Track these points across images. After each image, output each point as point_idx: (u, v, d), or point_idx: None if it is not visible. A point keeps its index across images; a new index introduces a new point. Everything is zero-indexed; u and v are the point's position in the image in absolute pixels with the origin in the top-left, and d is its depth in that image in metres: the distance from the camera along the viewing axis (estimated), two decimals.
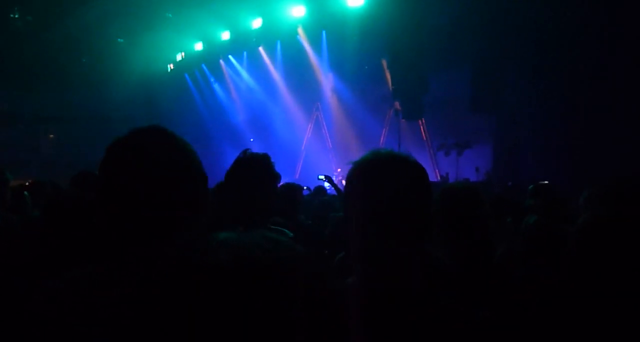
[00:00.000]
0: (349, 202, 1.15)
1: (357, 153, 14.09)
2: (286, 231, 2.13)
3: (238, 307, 0.65)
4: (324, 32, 14.62)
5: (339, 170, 15.36)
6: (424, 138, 14.84)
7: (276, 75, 16.44)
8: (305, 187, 4.89)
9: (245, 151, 2.08)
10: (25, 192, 3.52)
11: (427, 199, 1.11)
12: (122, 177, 0.94)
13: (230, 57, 17.33)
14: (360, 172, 1.14)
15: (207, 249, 0.68)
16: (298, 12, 14.11)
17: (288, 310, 0.69)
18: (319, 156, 16.63)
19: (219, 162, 17.40)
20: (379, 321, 0.97)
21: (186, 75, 19.03)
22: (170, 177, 0.96)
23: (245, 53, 16.90)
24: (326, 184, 9.06)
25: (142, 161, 0.95)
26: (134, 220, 0.94)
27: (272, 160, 2.18)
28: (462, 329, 0.99)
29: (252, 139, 17.76)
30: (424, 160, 13.15)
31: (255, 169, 2.00)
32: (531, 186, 4.04)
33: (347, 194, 1.15)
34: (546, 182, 8.82)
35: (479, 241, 1.57)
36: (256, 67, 16.74)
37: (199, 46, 17.54)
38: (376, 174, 1.11)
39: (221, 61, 17.65)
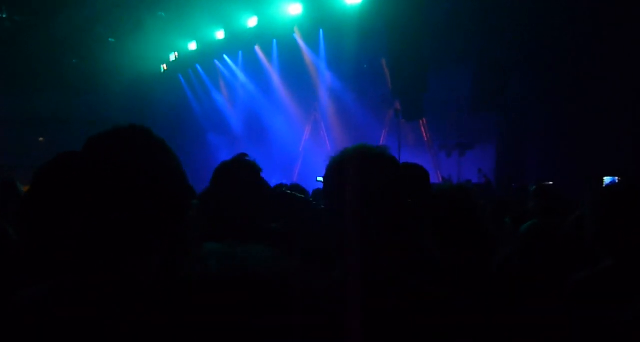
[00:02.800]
0: (328, 196, 1.27)
1: None
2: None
3: (224, 320, 0.64)
4: (321, 31, 14.66)
5: None
6: (425, 139, 14.86)
7: (273, 75, 16.47)
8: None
9: (242, 155, 2.11)
10: None
11: (397, 189, 1.20)
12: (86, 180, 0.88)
13: (225, 56, 17.35)
14: (333, 168, 1.26)
15: (196, 258, 0.66)
16: (294, 10, 14.14)
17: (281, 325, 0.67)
18: (318, 158, 16.62)
19: (215, 166, 17.45)
20: (364, 312, 1.01)
21: (180, 76, 19.04)
22: (145, 181, 0.89)
23: (240, 53, 16.92)
24: None
25: (111, 163, 0.89)
26: (101, 227, 0.88)
27: (269, 162, 2.23)
28: (448, 319, 1.03)
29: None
30: (425, 161, 13.18)
31: (249, 174, 2.03)
32: (533, 187, 4.07)
33: (325, 189, 1.29)
34: (550, 183, 8.88)
35: (473, 243, 1.61)
36: (252, 67, 16.78)
37: (192, 46, 17.56)
38: (345, 168, 1.22)
39: (216, 61, 17.67)
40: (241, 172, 2.05)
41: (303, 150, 17.64)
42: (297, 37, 14.99)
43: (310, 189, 6.47)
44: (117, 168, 0.88)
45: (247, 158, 2.12)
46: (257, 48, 16.25)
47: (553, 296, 1.71)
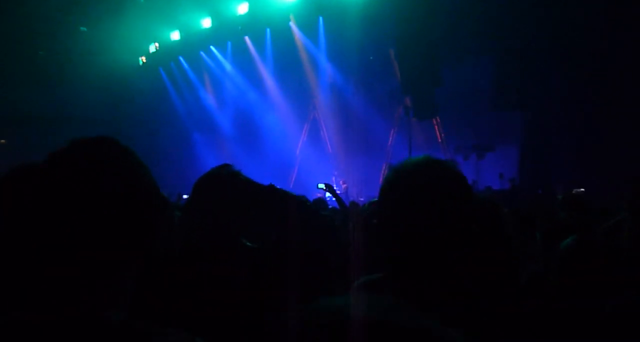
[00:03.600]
0: (384, 212, 1.22)
1: (361, 158, 14.02)
2: None
3: None
4: (320, 18, 14.70)
5: (335, 173, 15.45)
6: (439, 140, 14.87)
7: (265, 68, 16.51)
8: None
9: (226, 166, 2.11)
10: None
11: (464, 205, 1.18)
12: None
13: (212, 48, 17.40)
14: (393, 180, 1.22)
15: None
16: None
17: None
18: (317, 162, 16.64)
19: (200, 172, 17.48)
20: None
21: (161, 70, 19.09)
22: (112, 196, 0.94)
23: (229, 43, 16.97)
24: (327, 194, 9.05)
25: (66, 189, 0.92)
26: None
27: (262, 167, 2.23)
28: None
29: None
30: None
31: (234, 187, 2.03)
32: (561, 195, 4.04)
33: (381, 204, 1.23)
34: (582, 189, 8.86)
35: (499, 260, 1.60)
36: (242, 59, 16.81)
37: (175, 36, 17.61)
38: (410, 180, 1.19)
39: (202, 53, 17.72)
40: (218, 188, 2.05)
41: (300, 154, 17.65)
42: (293, 25, 15.02)
43: (310, 196, 6.45)
44: (82, 184, 0.92)
45: (230, 169, 2.11)
46: (247, 38, 16.29)
47: (596, 317, 1.71)
